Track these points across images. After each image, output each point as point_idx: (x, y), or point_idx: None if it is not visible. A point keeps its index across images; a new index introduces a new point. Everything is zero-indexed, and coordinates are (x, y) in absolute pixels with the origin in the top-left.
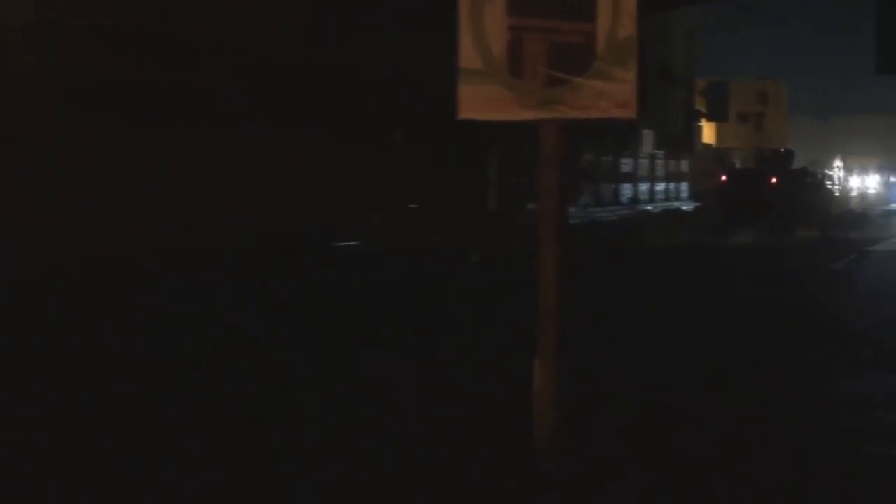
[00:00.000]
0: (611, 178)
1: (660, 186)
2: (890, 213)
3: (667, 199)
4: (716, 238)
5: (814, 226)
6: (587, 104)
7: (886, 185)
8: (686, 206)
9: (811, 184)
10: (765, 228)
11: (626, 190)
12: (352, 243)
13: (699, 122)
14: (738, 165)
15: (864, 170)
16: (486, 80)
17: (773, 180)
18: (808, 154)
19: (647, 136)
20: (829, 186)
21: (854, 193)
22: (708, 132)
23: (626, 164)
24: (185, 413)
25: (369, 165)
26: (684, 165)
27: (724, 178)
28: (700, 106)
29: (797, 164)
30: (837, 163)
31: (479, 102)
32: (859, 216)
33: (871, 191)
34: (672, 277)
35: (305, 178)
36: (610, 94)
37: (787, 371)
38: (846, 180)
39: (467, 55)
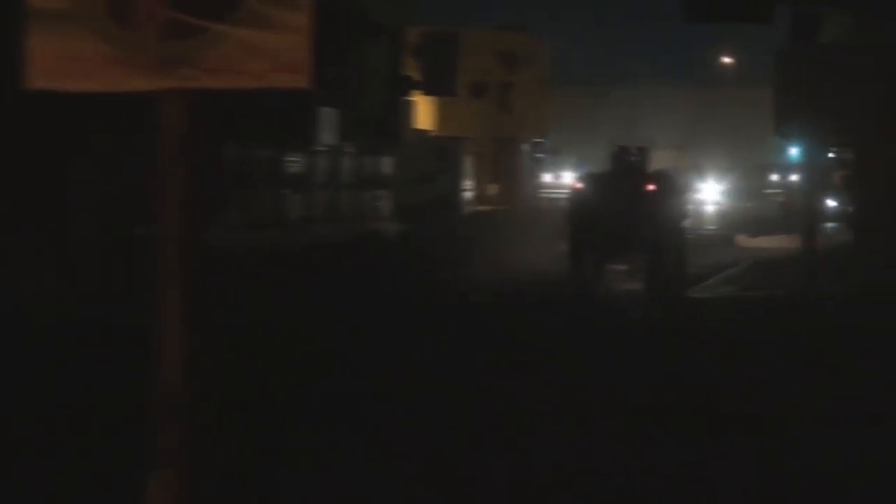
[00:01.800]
0: (271, 185)
1: (348, 197)
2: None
3: (357, 216)
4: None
5: (670, 255)
6: (231, 65)
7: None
8: (391, 227)
9: (672, 193)
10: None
11: (295, 202)
12: None
13: (411, 96)
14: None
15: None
16: (71, 27)
17: (651, 188)
18: (580, 146)
19: (329, 119)
20: (685, 196)
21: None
22: (425, 112)
23: (294, 164)
24: None
25: None
26: (387, 165)
27: (579, 185)
28: (413, 72)
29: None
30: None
31: (61, 63)
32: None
33: (711, 206)
34: None
35: None
36: (268, 49)
37: None
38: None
39: None
